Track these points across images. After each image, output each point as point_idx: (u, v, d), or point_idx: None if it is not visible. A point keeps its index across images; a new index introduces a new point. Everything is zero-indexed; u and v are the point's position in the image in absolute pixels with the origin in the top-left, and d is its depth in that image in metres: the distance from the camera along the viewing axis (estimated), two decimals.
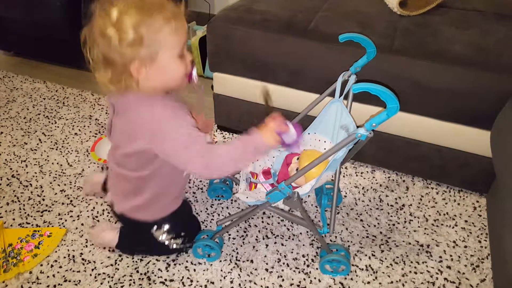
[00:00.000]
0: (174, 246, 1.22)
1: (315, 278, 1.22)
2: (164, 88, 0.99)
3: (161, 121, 0.94)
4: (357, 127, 0.94)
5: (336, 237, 1.35)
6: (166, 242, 1.21)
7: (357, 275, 1.23)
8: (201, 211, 1.43)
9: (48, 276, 1.21)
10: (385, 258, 1.28)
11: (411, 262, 1.27)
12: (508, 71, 1.22)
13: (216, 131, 1.84)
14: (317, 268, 1.24)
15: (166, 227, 1.19)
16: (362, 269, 1.25)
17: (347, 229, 1.38)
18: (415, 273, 1.24)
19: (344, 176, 1.59)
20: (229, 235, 1.35)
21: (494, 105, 1.23)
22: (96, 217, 1.40)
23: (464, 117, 1.33)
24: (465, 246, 1.33)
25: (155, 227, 1.19)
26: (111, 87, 0.93)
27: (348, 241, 1.33)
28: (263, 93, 1.05)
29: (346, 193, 1.52)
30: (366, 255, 1.29)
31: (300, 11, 1.55)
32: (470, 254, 1.30)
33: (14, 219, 1.39)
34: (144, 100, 0.95)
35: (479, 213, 1.45)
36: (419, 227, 1.39)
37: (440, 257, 1.29)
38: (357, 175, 1.60)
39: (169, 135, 0.94)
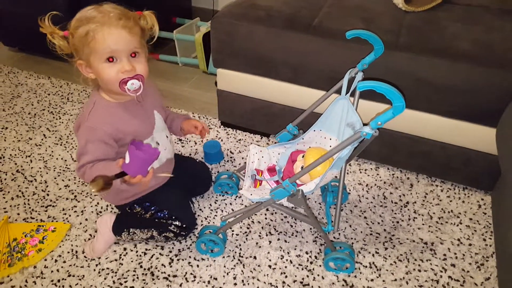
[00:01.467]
0: (161, 220, 1.24)
1: (318, 275, 1.22)
2: (108, 90, 1.10)
3: (82, 123, 1.09)
4: (363, 124, 0.93)
5: (339, 234, 1.35)
6: (148, 217, 1.27)
7: (360, 272, 1.23)
8: (204, 207, 1.43)
9: (52, 271, 1.22)
10: (389, 256, 1.28)
11: (415, 260, 1.27)
12: None
13: (220, 127, 1.84)
14: (320, 265, 1.24)
15: (135, 205, 1.28)
16: (366, 267, 1.25)
17: (350, 226, 1.37)
18: (419, 271, 1.24)
19: (348, 173, 1.59)
20: (232, 231, 1.35)
21: (499, 102, 1.22)
22: (100, 212, 1.41)
23: (469, 114, 1.32)
24: (470, 244, 1.32)
25: (127, 207, 1.29)
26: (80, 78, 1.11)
27: (351, 238, 1.33)
28: None
29: (350, 190, 1.51)
30: (369, 253, 1.29)
31: (304, 7, 1.54)
32: (474, 252, 1.30)
33: (18, 214, 1.40)
34: (92, 100, 1.12)
35: (484, 211, 1.44)
36: (423, 224, 1.39)
37: (445, 255, 1.29)
38: (361, 172, 1.59)
39: (78, 136, 1.11)
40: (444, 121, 1.37)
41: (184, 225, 1.25)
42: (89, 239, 1.32)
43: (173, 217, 1.25)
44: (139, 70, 1.03)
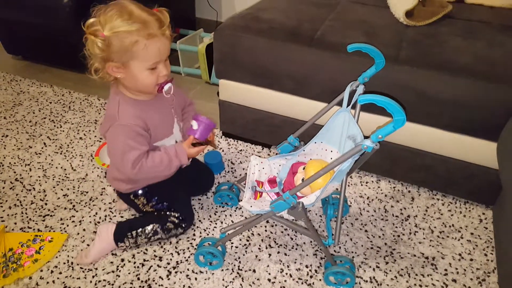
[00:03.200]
0: (161, 212, 1.29)
1: None
2: (138, 91, 1.14)
3: (114, 122, 1.11)
4: (364, 137, 0.93)
5: (340, 247, 1.33)
6: (150, 210, 1.32)
7: (361, 287, 1.21)
8: (204, 218, 1.42)
9: (48, 282, 1.20)
10: (390, 270, 1.27)
11: (416, 274, 1.26)
12: None
13: (221, 137, 1.83)
14: (320, 279, 1.23)
15: (140, 192, 1.30)
16: (366, 281, 1.23)
17: (351, 239, 1.36)
18: (420, 286, 1.22)
19: (349, 186, 1.58)
20: (232, 243, 1.33)
21: (500, 117, 1.22)
22: (98, 222, 1.39)
23: (470, 128, 1.32)
24: (471, 259, 1.31)
25: (131, 195, 1.30)
26: (96, 76, 1.09)
27: (352, 252, 1.32)
28: None
29: (351, 202, 1.50)
30: (370, 267, 1.27)
31: (306, 20, 1.55)
32: (476, 268, 1.28)
33: (15, 223, 1.39)
34: (116, 98, 1.13)
35: (485, 226, 1.43)
36: (424, 238, 1.37)
37: (446, 270, 1.27)
38: (362, 185, 1.58)
39: (112, 136, 1.13)
40: (445, 134, 1.36)
41: (182, 217, 1.29)
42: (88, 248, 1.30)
43: (172, 209, 1.29)
44: (169, 73, 1.13)
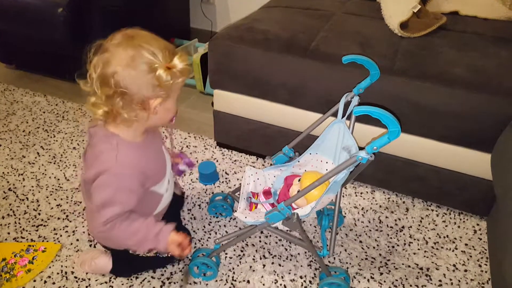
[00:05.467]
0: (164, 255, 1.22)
1: None
2: (150, 128, 1.06)
3: (108, 169, 0.97)
4: (359, 148, 0.93)
5: (335, 258, 1.33)
6: (151, 254, 1.20)
7: None
8: (198, 229, 1.42)
9: None
10: (384, 281, 1.26)
11: (411, 285, 1.25)
12: (509, 94, 1.22)
13: (215, 147, 1.83)
14: None
15: None
16: None
17: (346, 250, 1.36)
18: None
19: (343, 196, 1.58)
20: (226, 254, 1.33)
21: (494, 128, 1.23)
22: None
23: (464, 139, 1.33)
24: (465, 270, 1.31)
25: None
26: (107, 117, 0.97)
27: (347, 263, 1.32)
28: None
29: (345, 213, 1.50)
30: (365, 278, 1.27)
31: (301, 31, 1.56)
32: (470, 279, 1.29)
33: (9, 233, 1.37)
34: (113, 141, 0.99)
35: (480, 237, 1.43)
36: (419, 249, 1.37)
37: (440, 281, 1.27)
38: (356, 195, 1.59)
39: (102, 184, 0.98)
40: (440, 145, 1.37)
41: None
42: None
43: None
44: None
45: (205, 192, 1.58)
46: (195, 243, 1.36)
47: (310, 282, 1.25)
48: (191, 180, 1.64)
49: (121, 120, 0.97)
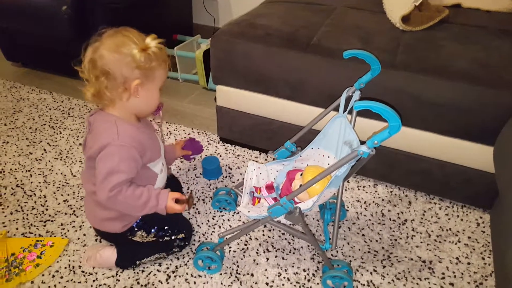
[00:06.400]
0: (165, 239, 1.26)
1: None
2: (138, 113, 1.16)
3: (111, 142, 1.07)
4: (361, 142, 0.94)
5: (337, 251, 1.34)
6: (151, 240, 1.26)
7: None
8: (202, 223, 1.43)
9: (49, 286, 1.22)
10: (387, 274, 1.27)
11: (413, 278, 1.26)
12: (511, 87, 1.22)
13: (219, 143, 1.85)
14: (318, 283, 1.24)
15: (136, 226, 1.25)
16: (364, 285, 1.24)
17: (348, 243, 1.37)
18: None
19: (346, 190, 1.59)
20: (230, 247, 1.34)
21: (497, 121, 1.23)
22: None
23: (466, 132, 1.33)
24: (468, 263, 1.32)
25: (128, 233, 1.25)
26: (94, 98, 1.08)
27: (349, 256, 1.33)
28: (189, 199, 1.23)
29: (348, 207, 1.51)
30: (367, 271, 1.28)
31: (302, 26, 1.56)
32: (473, 271, 1.29)
33: (17, 229, 1.40)
34: (111, 119, 1.10)
35: (483, 229, 1.44)
36: (421, 242, 1.38)
37: (443, 273, 1.28)
38: (359, 189, 1.59)
39: (106, 155, 1.07)
40: (442, 139, 1.37)
41: (186, 235, 1.28)
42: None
43: (176, 231, 1.26)
44: None
45: (209, 187, 1.59)
46: (199, 237, 1.38)
47: (313, 275, 1.26)
48: (195, 175, 1.65)
49: (106, 99, 1.07)
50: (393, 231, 1.42)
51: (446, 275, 1.28)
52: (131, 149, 1.08)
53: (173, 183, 1.41)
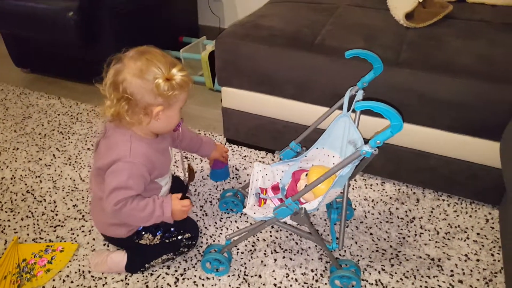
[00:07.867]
0: (172, 240, 1.27)
1: None
2: (157, 133, 1.18)
3: (123, 157, 1.08)
4: (365, 141, 0.94)
5: (345, 251, 1.34)
6: (158, 242, 1.27)
7: None
8: (210, 225, 1.44)
9: None
10: (395, 273, 1.27)
11: (422, 276, 1.26)
12: None
13: (225, 144, 1.85)
14: (326, 283, 1.24)
15: (143, 233, 1.26)
16: (372, 284, 1.24)
17: (356, 243, 1.37)
18: (426, 287, 1.23)
19: (353, 189, 1.58)
20: (237, 249, 1.35)
21: (502, 116, 1.22)
22: None
23: (472, 128, 1.32)
24: (478, 260, 1.31)
25: (135, 237, 1.26)
26: (114, 119, 1.09)
27: (357, 255, 1.33)
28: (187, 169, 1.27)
29: (355, 205, 1.51)
30: (376, 270, 1.28)
31: (306, 26, 1.56)
32: (482, 268, 1.28)
33: (28, 234, 1.42)
34: (127, 134, 1.12)
35: (492, 226, 1.42)
36: (430, 240, 1.38)
37: (452, 271, 1.28)
38: (366, 188, 1.59)
39: (117, 170, 1.09)
40: (448, 135, 1.37)
41: (193, 235, 1.29)
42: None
43: (182, 231, 1.27)
44: None
45: (216, 189, 1.60)
46: (207, 239, 1.39)
47: (321, 275, 1.27)
48: (202, 177, 1.67)
49: (125, 123, 1.09)
50: (401, 229, 1.42)
51: (455, 273, 1.27)
52: (141, 167, 1.09)
53: (177, 184, 1.43)
